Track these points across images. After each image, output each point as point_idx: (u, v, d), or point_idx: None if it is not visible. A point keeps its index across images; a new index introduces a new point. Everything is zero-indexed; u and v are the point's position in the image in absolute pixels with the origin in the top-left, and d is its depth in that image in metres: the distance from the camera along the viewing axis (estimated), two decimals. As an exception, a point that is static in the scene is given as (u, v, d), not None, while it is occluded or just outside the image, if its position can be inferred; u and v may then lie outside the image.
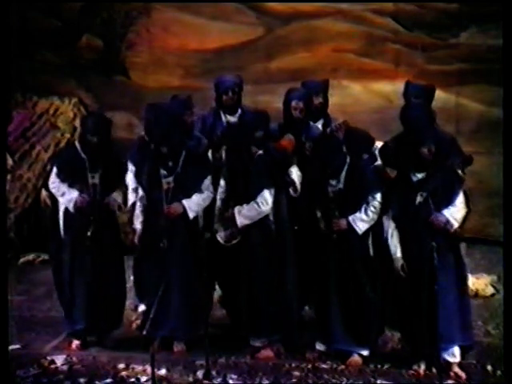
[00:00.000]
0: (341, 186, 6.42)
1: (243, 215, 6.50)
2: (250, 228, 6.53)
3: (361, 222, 6.35)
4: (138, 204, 6.68)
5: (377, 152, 6.76)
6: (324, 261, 6.44)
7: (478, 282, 8.13)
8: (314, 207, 6.47)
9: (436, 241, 6.17)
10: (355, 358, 6.48)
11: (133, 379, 6.32)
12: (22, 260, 9.51)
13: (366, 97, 10.35)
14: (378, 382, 6.24)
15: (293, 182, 6.48)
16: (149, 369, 6.07)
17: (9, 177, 9.25)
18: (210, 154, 6.93)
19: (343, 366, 6.46)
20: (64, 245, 6.78)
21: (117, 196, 6.75)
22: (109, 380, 6.31)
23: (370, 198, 6.34)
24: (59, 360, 6.63)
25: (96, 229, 6.67)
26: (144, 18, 10.77)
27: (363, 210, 6.34)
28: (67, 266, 6.79)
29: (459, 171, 6.62)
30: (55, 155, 6.92)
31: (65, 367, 6.54)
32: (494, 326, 7.29)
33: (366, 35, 10.40)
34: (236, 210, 6.50)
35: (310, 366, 6.48)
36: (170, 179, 6.57)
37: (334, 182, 6.42)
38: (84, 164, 6.73)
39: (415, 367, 6.34)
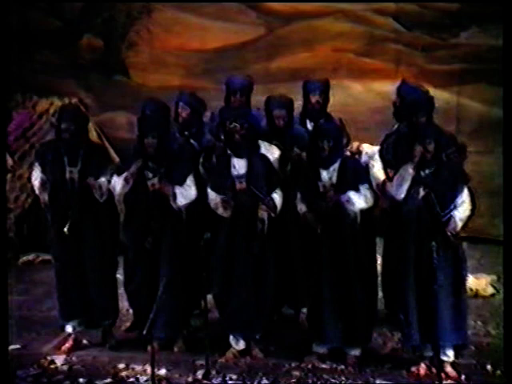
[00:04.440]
0: (333, 180, 6.39)
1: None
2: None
3: (356, 198, 6.34)
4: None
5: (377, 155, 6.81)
6: (317, 257, 6.43)
7: (478, 282, 8.13)
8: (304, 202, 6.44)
9: (436, 240, 6.17)
10: (350, 358, 6.51)
11: (133, 379, 6.33)
12: (21, 260, 9.51)
13: (366, 96, 10.34)
14: (378, 382, 6.24)
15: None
16: (149, 369, 6.07)
17: (9, 177, 9.26)
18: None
19: (343, 366, 6.47)
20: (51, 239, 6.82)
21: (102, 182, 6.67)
22: (109, 380, 6.32)
23: (362, 187, 6.35)
24: (59, 360, 6.64)
25: (74, 224, 6.61)
26: (145, 17, 10.78)
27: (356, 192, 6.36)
28: (55, 261, 6.87)
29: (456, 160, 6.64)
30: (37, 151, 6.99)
31: (65, 367, 6.55)
32: (494, 325, 7.29)
33: (367, 35, 10.40)
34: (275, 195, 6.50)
35: (310, 366, 6.49)
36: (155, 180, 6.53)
37: (325, 175, 6.41)
38: (62, 158, 6.67)
39: (415, 367, 6.34)
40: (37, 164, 6.80)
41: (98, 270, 6.74)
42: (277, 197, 6.51)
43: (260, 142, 6.70)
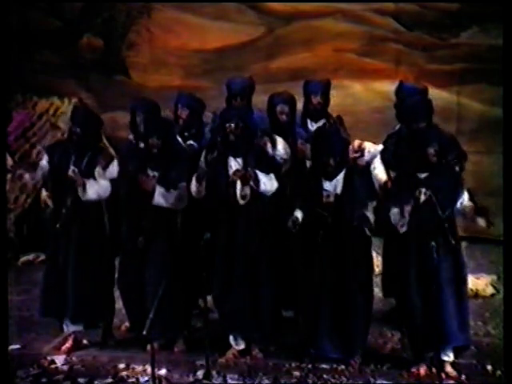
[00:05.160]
0: (337, 191, 6.38)
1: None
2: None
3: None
4: None
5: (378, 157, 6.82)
6: (316, 264, 6.41)
7: (478, 282, 8.12)
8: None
9: (436, 241, 6.17)
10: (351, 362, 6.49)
11: (133, 379, 6.34)
12: (21, 260, 9.52)
13: (366, 96, 10.34)
14: (378, 382, 6.24)
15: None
16: (149, 369, 6.07)
17: (9, 177, 9.26)
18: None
19: (343, 366, 6.46)
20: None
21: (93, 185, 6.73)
22: (109, 380, 6.33)
23: (370, 204, 6.32)
24: (59, 360, 6.65)
25: (67, 221, 6.69)
26: (145, 17, 10.77)
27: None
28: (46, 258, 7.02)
29: (457, 168, 6.65)
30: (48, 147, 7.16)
31: (65, 367, 6.56)
32: (494, 325, 7.29)
33: (367, 35, 10.39)
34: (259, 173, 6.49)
35: (310, 366, 6.49)
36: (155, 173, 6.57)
37: (328, 185, 6.40)
38: (70, 156, 6.74)
39: (415, 367, 6.34)
40: (45, 154, 6.89)
41: (79, 270, 6.75)
42: (263, 175, 6.47)
43: (276, 137, 6.72)
